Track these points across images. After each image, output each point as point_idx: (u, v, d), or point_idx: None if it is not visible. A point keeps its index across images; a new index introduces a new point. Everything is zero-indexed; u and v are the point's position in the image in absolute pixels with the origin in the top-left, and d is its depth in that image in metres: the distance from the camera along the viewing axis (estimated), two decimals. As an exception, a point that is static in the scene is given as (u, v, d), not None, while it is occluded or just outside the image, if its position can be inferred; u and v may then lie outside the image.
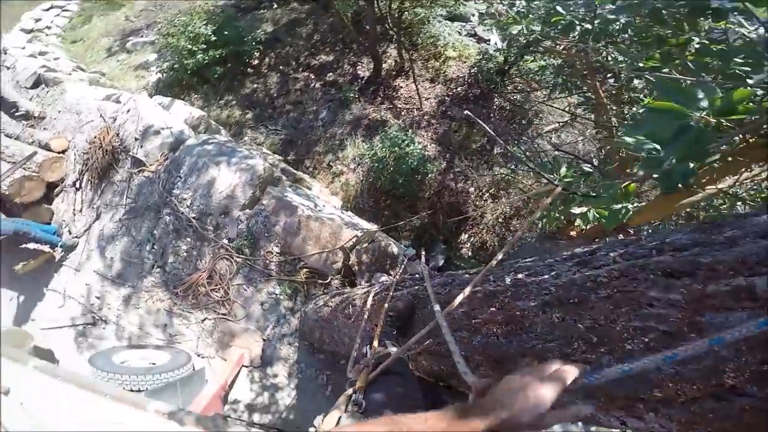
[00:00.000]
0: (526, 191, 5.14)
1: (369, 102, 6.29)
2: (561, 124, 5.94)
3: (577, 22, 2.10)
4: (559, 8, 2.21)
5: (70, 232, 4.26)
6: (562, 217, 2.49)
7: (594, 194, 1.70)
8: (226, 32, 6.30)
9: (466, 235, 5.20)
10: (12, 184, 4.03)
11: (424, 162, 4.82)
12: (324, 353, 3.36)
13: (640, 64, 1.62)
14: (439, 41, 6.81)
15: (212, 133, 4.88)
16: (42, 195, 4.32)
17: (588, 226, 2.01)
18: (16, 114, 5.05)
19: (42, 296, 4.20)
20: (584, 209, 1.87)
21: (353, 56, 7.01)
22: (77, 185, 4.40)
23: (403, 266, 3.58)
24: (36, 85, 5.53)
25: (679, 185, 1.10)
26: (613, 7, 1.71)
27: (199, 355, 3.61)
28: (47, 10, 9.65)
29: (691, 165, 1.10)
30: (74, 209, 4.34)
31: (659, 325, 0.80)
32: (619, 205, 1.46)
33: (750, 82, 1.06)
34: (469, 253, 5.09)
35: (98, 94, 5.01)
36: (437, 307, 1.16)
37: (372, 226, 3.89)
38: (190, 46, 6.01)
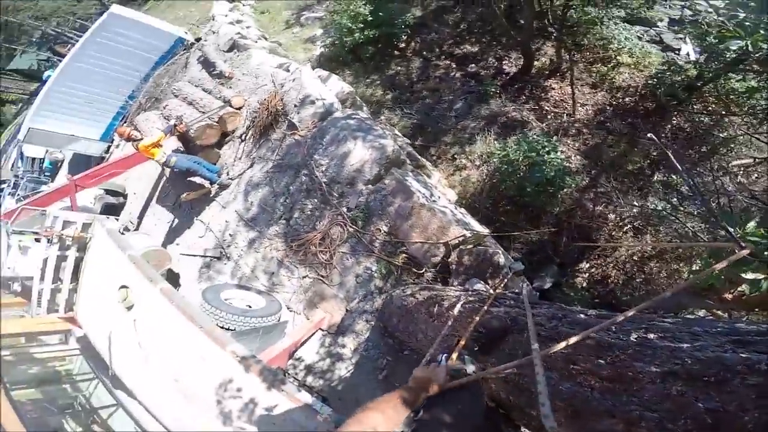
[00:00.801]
0: (683, 236, 4.11)
1: (511, 99, 5.84)
2: (759, 160, 4.52)
3: None
4: None
5: (228, 174, 5.18)
6: (722, 276, 1.99)
7: None
8: (381, 13, 6.56)
9: (587, 264, 4.47)
10: (198, 129, 5.01)
11: (563, 174, 4.23)
12: (393, 339, 3.35)
13: None
14: (611, 44, 5.95)
15: (356, 108, 5.23)
16: (216, 141, 5.28)
17: (753, 293, 1.55)
18: (213, 73, 6.17)
19: (191, 224, 5.16)
20: (759, 276, 1.57)
21: (500, 50, 6.59)
22: (242, 137, 5.29)
23: (505, 281, 3.29)
24: (231, 49, 6.52)
25: None
26: None
27: (288, 309, 3.98)
28: (249, -20, 11.14)
29: None
30: (236, 156, 5.26)
31: None
32: None
33: None
34: (584, 284, 4.37)
35: (274, 62, 5.80)
36: (535, 345, 1.07)
37: (483, 229, 3.65)
38: (350, 24, 6.44)
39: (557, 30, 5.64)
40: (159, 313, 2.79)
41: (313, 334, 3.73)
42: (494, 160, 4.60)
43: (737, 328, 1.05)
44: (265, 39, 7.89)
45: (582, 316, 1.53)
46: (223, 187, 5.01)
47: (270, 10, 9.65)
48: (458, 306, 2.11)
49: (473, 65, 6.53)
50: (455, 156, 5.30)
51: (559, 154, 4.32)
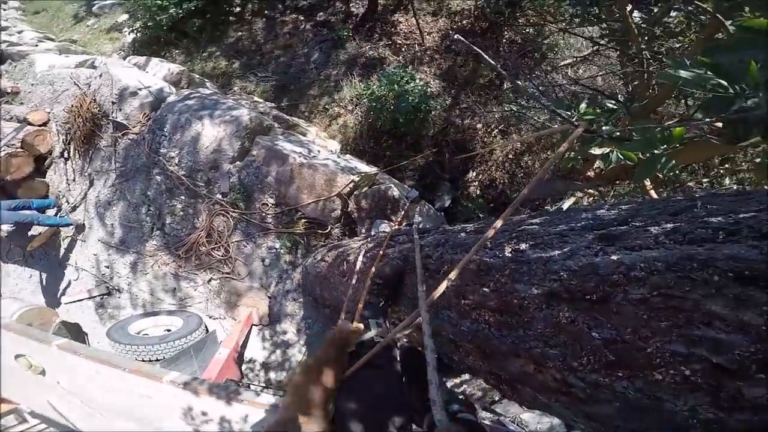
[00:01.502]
0: (539, 128, 4.68)
1: (365, 40, 5.75)
2: (579, 57, 5.31)
3: None
4: None
5: (68, 202, 4.19)
6: (579, 157, 2.24)
7: (623, 136, 1.40)
8: None
9: (474, 173, 4.86)
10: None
11: (427, 99, 4.39)
12: (327, 307, 3.24)
13: None
14: None
15: (196, 87, 4.57)
16: (32, 169, 4.18)
17: (609, 167, 1.72)
18: None
19: (56, 270, 4.25)
20: (605, 150, 1.63)
21: (346, -7, 6.36)
22: (65, 155, 4.25)
23: (404, 212, 3.34)
24: (1, 61, 5.27)
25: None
26: None
27: (210, 317, 3.60)
28: (-1, -16, 9.06)
29: None
30: (67, 179, 4.23)
31: (712, 356, 0.56)
32: (658, 152, 1.15)
33: None
34: (478, 192, 4.78)
35: (70, 61, 4.79)
36: (421, 292, 0.96)
37: (372, 169, 3.61)
38: (159, 2, 5.58)
39: (390, -36, 5.59)
40: (75, 369, 2.54)
41: (249, 331, 3.46)
42: (364, 100, 4.54)
43: (600, 217, 0.97)
44: (51, 40, 6.55)
45: (462, 235, 1.43)
46: (79, 227, 4.09)
47: (47, 8, 7.93)
48: (360, 258, 2.00)
49: (321, 14, 6.21)
50: (326, 106, 5.09)
51: (418, 81, 4.44)
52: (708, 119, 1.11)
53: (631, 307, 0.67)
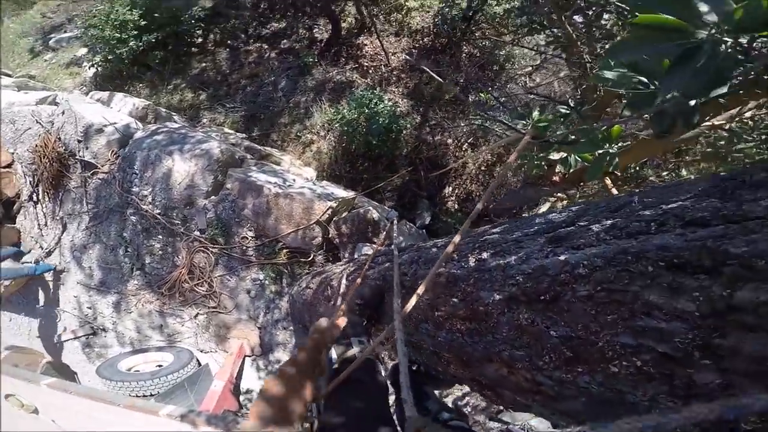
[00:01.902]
0: (502, 137, 4.92)
1: (331, 65, 5.89)
2: (534, 66, 5.63)
3: None
4: None
5: (41, 247, 4.06)
6: (543, 163, 2.28)
7: (571, 140, 1.48)
8: (156, 14, 5.77)
9: (450, 188, 5.04)
10: None
11: (396, 119, 4.55)
12: None
13: None
14: None
15: (164, 121, 4.54)
16: (0, 215, 4.05)
17: (570, 171, 1.81)
18: None
19: (37, 313, 4.12)
20: (563, 154, 1.71)
21: (308, 20, 6.50)
22: (34, 198, 4.12)
23: (386, 232, 3.44)
24: None
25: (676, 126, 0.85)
26: None
27: (201, 351, 3.58)
28: (-57, 18, 8.64)
29: (692, 102, 0.85)
30: (38, 224, 4.11)
31: (658, 345, 0.58)
32: (602, 150, 1.26)
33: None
34: (456, 206, 4.96)
35: (30, 98, 4.61)
36: (397, 305, 0.95)
37: (349, 194, 3.71)
38: (118, 35, 5.52)
39: (349, -13, 5.76)
40: (68, 407, 2.48)
41: (243, 363, 3.46)
42: (336, 125, 4.64)
43: (551, 220, 0.99)
44: (9, 76, 6.25)
45: (434, 250, 1.47)
46: (58, 272, 3.97)
47: (1, 43, 7.58)
48: (343, 282, 2.08)
49: (285, 41, 6.28)
50: (299, 134, 5.16)
51: (387, 102, 4.60)
52: (635, 116, 1.16)
53: (579, 303, 0.69)
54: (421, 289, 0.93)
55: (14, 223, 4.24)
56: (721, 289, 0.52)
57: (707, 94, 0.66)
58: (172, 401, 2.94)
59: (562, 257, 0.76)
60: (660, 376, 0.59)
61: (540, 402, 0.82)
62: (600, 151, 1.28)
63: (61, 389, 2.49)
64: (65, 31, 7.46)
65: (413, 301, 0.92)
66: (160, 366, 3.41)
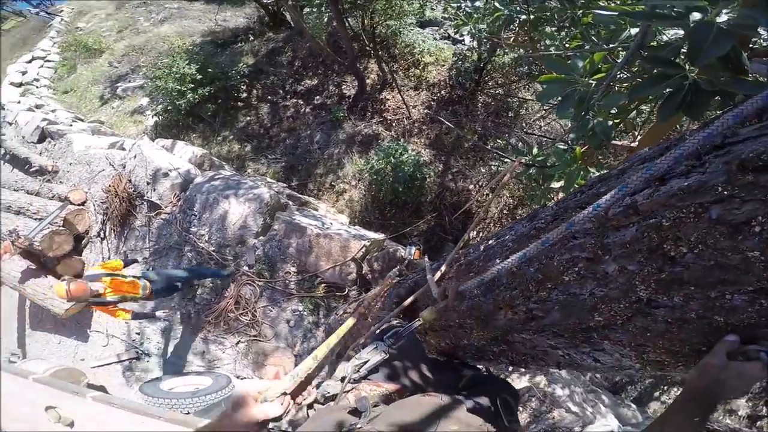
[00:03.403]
0: (522, 181, 5.32)
1: (359, 119, 6.52)
2: (546, 110, 6.13)
3: (514, 14, 2.31)
4: (497, 4, 2.43)
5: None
6: (548, 194, 2.68)
7: (551, 163, 1.92)
8: (209, 69, 6.53)
9: (474, 232, 5.34)
10: (43, 240, 4.24)
11: (420, 167, 5.04)
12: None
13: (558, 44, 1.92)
14: (415, 49, 6.98)
15: (216, 169, 5.16)
16: (71, 247, 4.53)
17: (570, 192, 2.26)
18: (31, 170, 5.21)
19: (87, 337, 4.49)
20: (562, 183, 2.06)
21: (336, 77, 7.24)
22: (101, 235, 4.68)
23: (406, 261, 3.81)
24: (42, 139, 5.62)
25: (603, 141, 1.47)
26: None
27: (237, 377, 3.85)
28: (30, 62, 9.65)
29: (610, 123, 1.48)
30: (102, 258, 4.63)
31: (582, 254, 0.84)
32: (572, 169, 1.79)
33: (607, 46, 1.38)
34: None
35: (103, 142, 5.20)
36: (428, 272, 1.41)
37: (379, 236, 4.15)
38: (179, 87, 6.20)
39: (372, 47, 6.54)
40: (108, 421, 2.58)
41: None
42: (365, 175, 5.17)
43: (533, 212, 1.29)
44: (81, 120, 7.04)
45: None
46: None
47: (75, 88, 8.59)
48: (376, 290, 2.32)
49: (318, 97, 7.00)
50: (332, 183, 5.70)
51: (410, 152, 5.13)
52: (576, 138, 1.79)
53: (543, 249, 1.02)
54: (443, 266, 1.41)
55: (81, 256, 4.77)
56: (601, 211, 0.80)
57: (583, 116, 1.35)
58: (209, 418, 3.10)
59: (534, 224, 1.15)
60: (591, 276, 0.84)
61: (534, 328, 1.04)
62: (570, 169, 1.79)
63: (105, 402, 2.65)
64: (130, 81, 8.34)
65: (440, 270, 1.38)
66: (198, 389, 3.58)
